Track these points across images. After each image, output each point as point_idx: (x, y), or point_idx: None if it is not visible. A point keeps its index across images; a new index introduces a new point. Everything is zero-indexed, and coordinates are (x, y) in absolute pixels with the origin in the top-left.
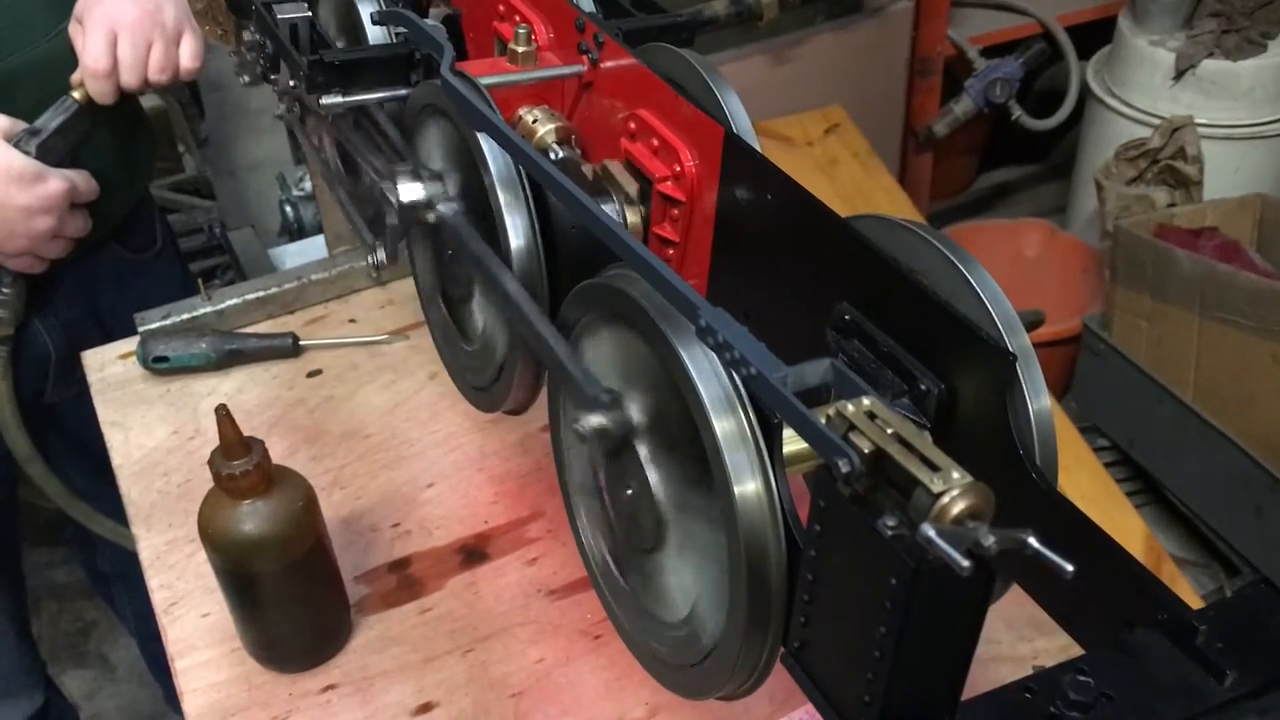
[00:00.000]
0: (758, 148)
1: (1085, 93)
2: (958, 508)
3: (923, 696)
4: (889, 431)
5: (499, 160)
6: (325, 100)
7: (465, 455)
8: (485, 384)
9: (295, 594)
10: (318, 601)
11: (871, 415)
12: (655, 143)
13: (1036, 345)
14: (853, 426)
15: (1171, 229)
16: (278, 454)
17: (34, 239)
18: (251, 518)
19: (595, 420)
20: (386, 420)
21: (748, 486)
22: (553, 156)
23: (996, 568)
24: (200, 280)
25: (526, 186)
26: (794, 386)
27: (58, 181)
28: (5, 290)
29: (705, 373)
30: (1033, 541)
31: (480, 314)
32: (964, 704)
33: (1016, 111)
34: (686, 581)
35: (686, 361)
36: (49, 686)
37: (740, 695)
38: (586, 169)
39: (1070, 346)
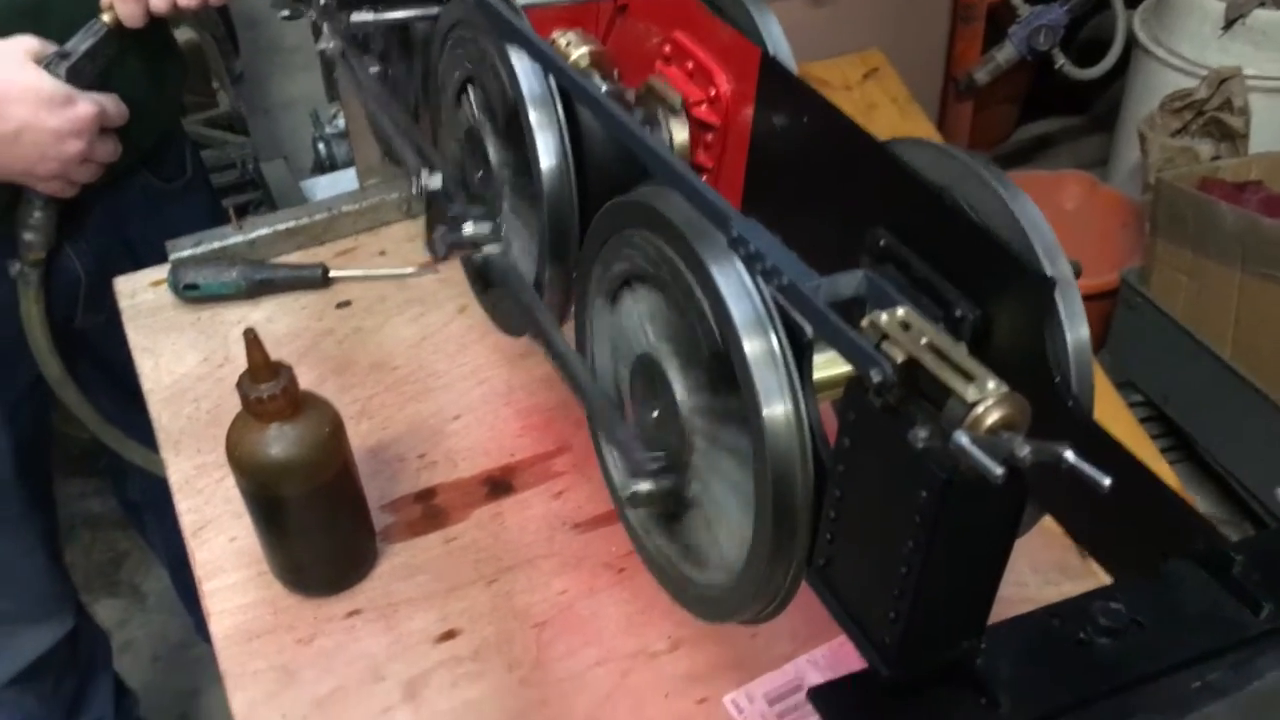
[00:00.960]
0: (795, 71)
1: (1131, 42)
2: (992, 417)
3: (948, 616)
4: (923, 341)
5: (531, 77)
6: (356, 17)
7: (492, 388)
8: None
9: (321, 519)
10: (343, 527)
11: (905, 325)
12: (690, 66)
13: None
14: (885, 336)
15: (1215, 182)
16: (306, 383)
17: (64, 162)
18: (278, 441)
19: (641, 487)
20: (414, 352)
21: (776, 409)
22: None
23: (1029, 486)
24: (232, 212)
25: (559, 105)
26: (827, 296)
27: (87, 105)
28: (36, 214)
29: (736, 291)
30: (1069, 455)
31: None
32: (990, 627)
33: (1060, 60)
34: (712, 504)
35: (717, 278)
36: (80, 613)
37: (763, 620)
38: (628, 94)
39: (1107, 301)
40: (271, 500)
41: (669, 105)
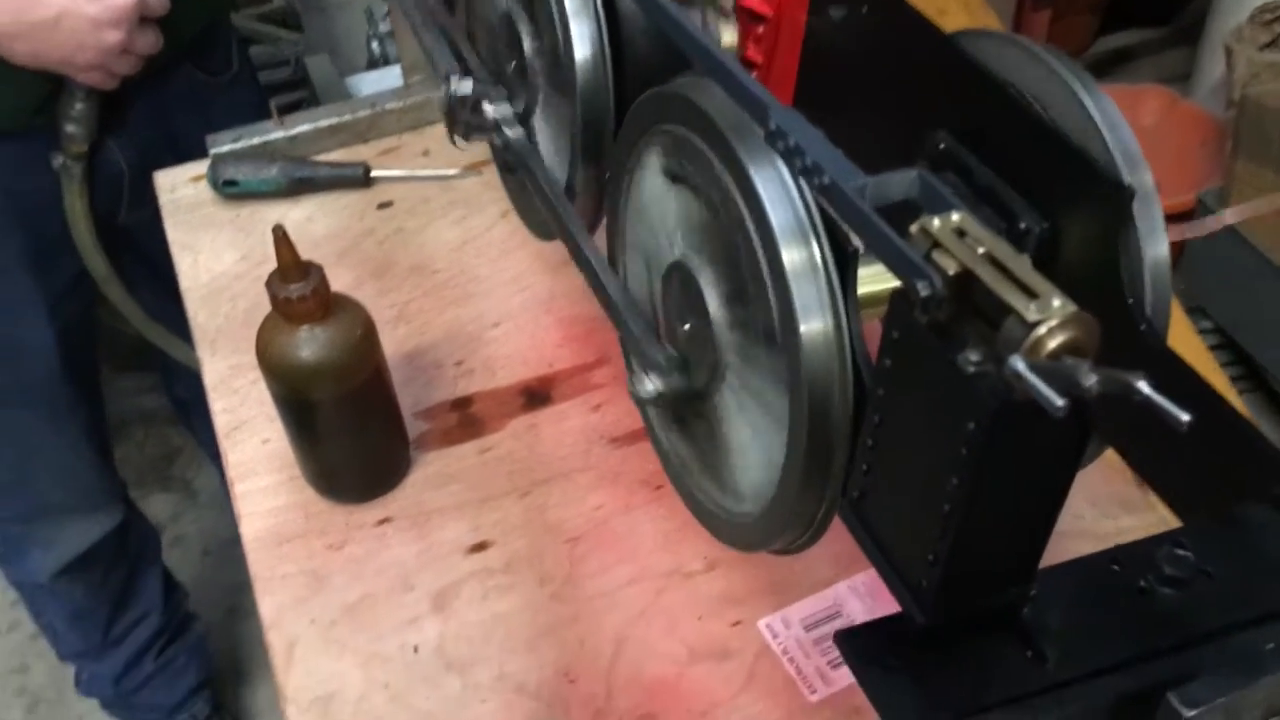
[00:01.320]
0: None
1: None
2: (1055, 341)
3: (994, 560)
4: (980, 251)
5: None
6: None
7: (534, 296)
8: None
9: (352, 425)
10: (375, 434)
11: (960, 232)
12: None
13: None
14: (937, 244)
15: None
16: (344, 285)
17: (102, 52)
18: (308, 344)
19: (653, 384)
20: (455, 256)
21: (815, 324)
22: None
23: (1094, 419)
24: (274, 107)
25: None
26: (873, 199)
27: None
28: (78, 105)
29: (775, 194)
30: (1143, 386)
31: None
32: (1041, 571)
33: None
34: (744, 424)
35: (754, 178)
36: (129, 507)
37: (795, 550)
38: None
39: (1183, 223)
40: (301, 404)
41: (716, 3)
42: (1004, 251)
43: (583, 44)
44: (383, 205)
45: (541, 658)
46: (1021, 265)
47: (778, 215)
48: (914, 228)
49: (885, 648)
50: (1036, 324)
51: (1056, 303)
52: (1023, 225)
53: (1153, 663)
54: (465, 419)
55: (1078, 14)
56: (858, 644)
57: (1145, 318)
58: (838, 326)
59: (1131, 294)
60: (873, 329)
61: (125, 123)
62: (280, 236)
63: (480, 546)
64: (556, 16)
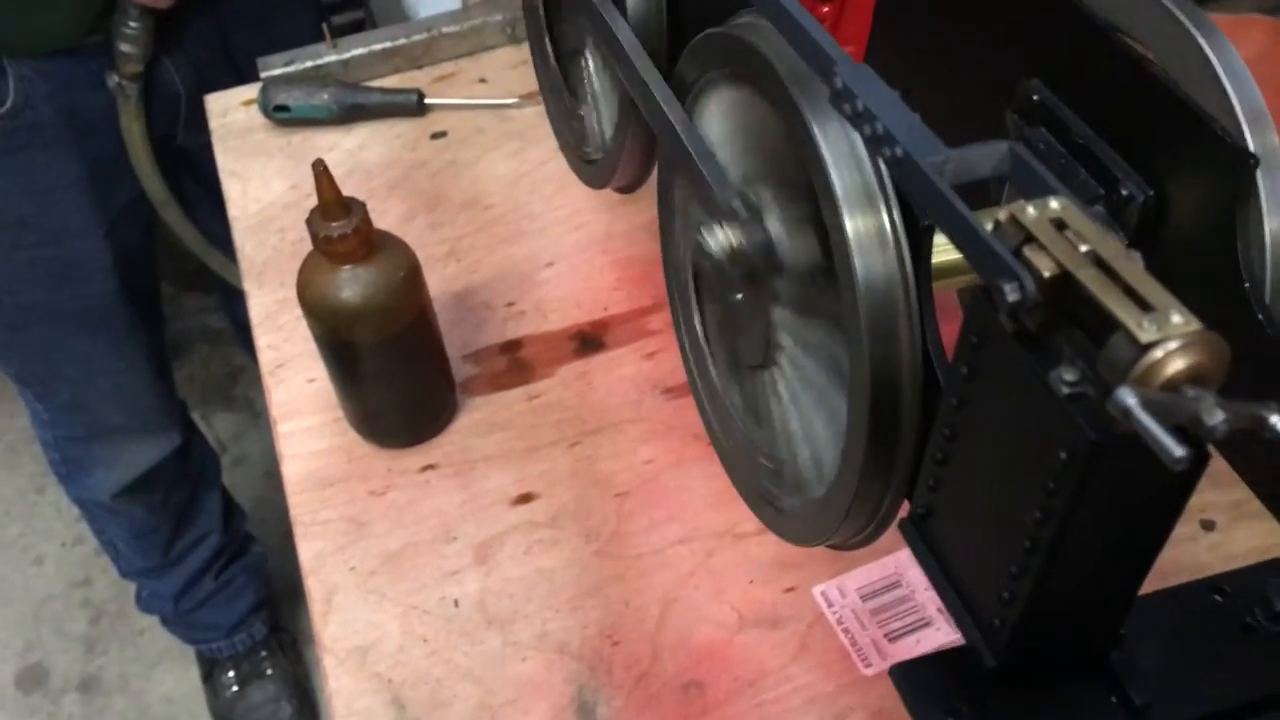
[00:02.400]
0: None
1: None
2: (1174, 367)
3: (1079, 605)
4: (1082, 250)
5: None
6: None
7: (589, 235)
8: (592, 155)
9: (395, 368)
10: (419, 378)
11: (1060, 224)
12: None
13: None
14: (1030, 238)
15: None
16: (395, 219)
17: None
18: (350, 284)
19: (725, 237)
20: (510, 191)
21: (880, 304)
22: None
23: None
24: (326, 29)
25: None
26: (954, 177)
27: None
28: (132, 25)
29: (841, 154)
30: (1277, 421)
31: (593, 71)
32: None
33: None
34: (801, 406)
35: (818, 137)
36: (190, 429)
37: (852, 547)
38: None
39: None
40: (343, 347)
41: None
42: (1113, 250)
43: None
44: (436, 135)
45: (585, 617)
46: (1134, 269)
47: (842, 177)
48: (1002, 215)
49: (949, 687)
50: (1151, 346)
51: (1177, 319)
52: (1124, 192)
53: (1262, 714)
54: (514, 363)
55: None
56: (916, 681)
57: (1264, 306)
58: (908, 304)
59: (1249, 276)
60: (946, 301)
61: (181, 42)
62: (321, 171)
63: (525, 498)
64: None
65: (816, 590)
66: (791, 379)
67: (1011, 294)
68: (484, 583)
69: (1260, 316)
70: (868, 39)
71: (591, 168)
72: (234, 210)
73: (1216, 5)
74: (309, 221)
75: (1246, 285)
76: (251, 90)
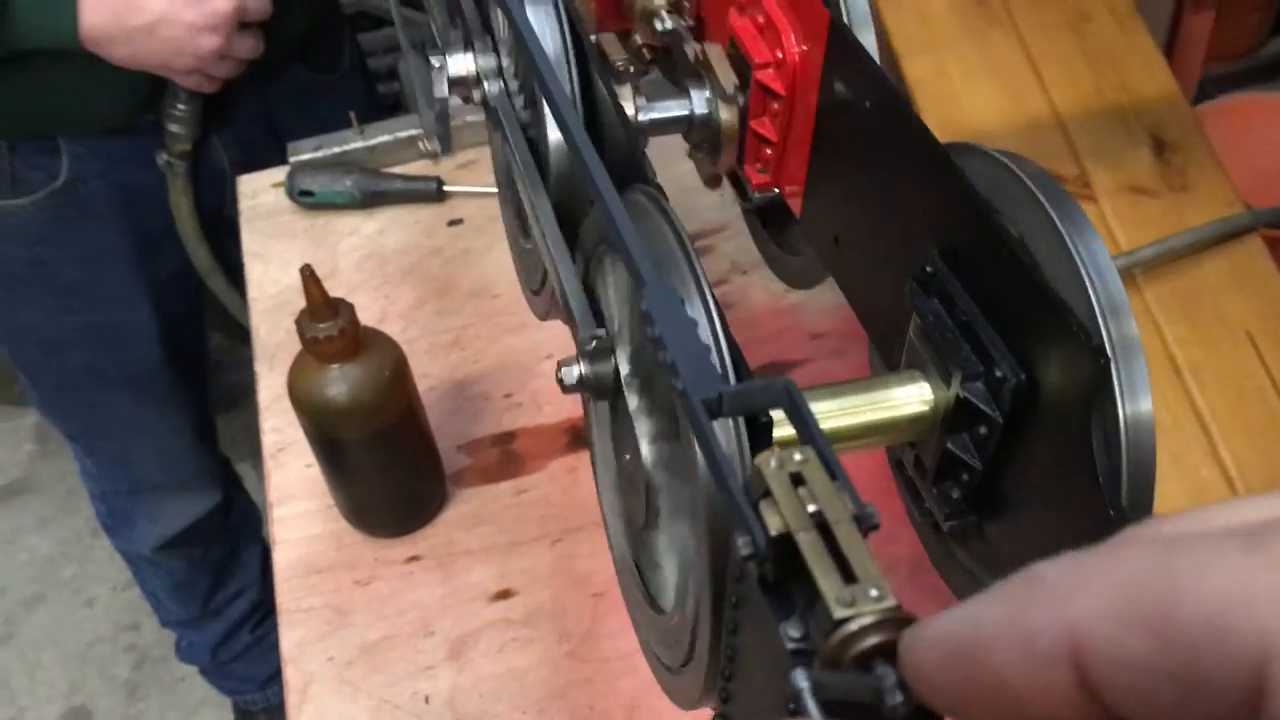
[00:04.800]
0: (871, 38)
1: None
2: (865, 643)
3: None
4: (810, 509)
5: (548, 38)
6: None
7: None
8: (536, 288)
9: (381, 462)
10: (405, 472)
11: (798, 479)
12: (761, 20)
13: None
14: (768, 493)
15: None
16: (406, 305)
17: (200, 58)
18: (337, 383)
19: (577, 369)
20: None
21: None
22: (659, 26)
23: None
24: (353, 116)
25: (574, 70)
26: (731, 410)
27: (225, 0)
28: (181, 107)
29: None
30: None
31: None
32: None
33: None
34: (673, 566)
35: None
36: (232, 485)
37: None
38: (690, 48)
39: None
40: (331, 441)
41: (720, 87)
42: (838, 514)
43: (554, 127)
44: (453, 222)
45: None
46: (850, 536)
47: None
48: (759, 459)
49: None
50: (843, 621)
51: (874, 593)
52: (999, 373)
53: None
54: (506, 455)
55: (1247, 12)
56: None
57: (1117, 503)
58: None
59: (1104, 465)
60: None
61: (230, 121)
62: (308, 276)
63: (504, 594)
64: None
65: None
66: (668, 533)
67: (744, 548)
68: (456, 679)
69: (1111, 512)
70: (804, 185)
71: (536, 299)
72: (253, 291)
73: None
74: (298, 322)
75: (1099, 480)
76: (280, 173)
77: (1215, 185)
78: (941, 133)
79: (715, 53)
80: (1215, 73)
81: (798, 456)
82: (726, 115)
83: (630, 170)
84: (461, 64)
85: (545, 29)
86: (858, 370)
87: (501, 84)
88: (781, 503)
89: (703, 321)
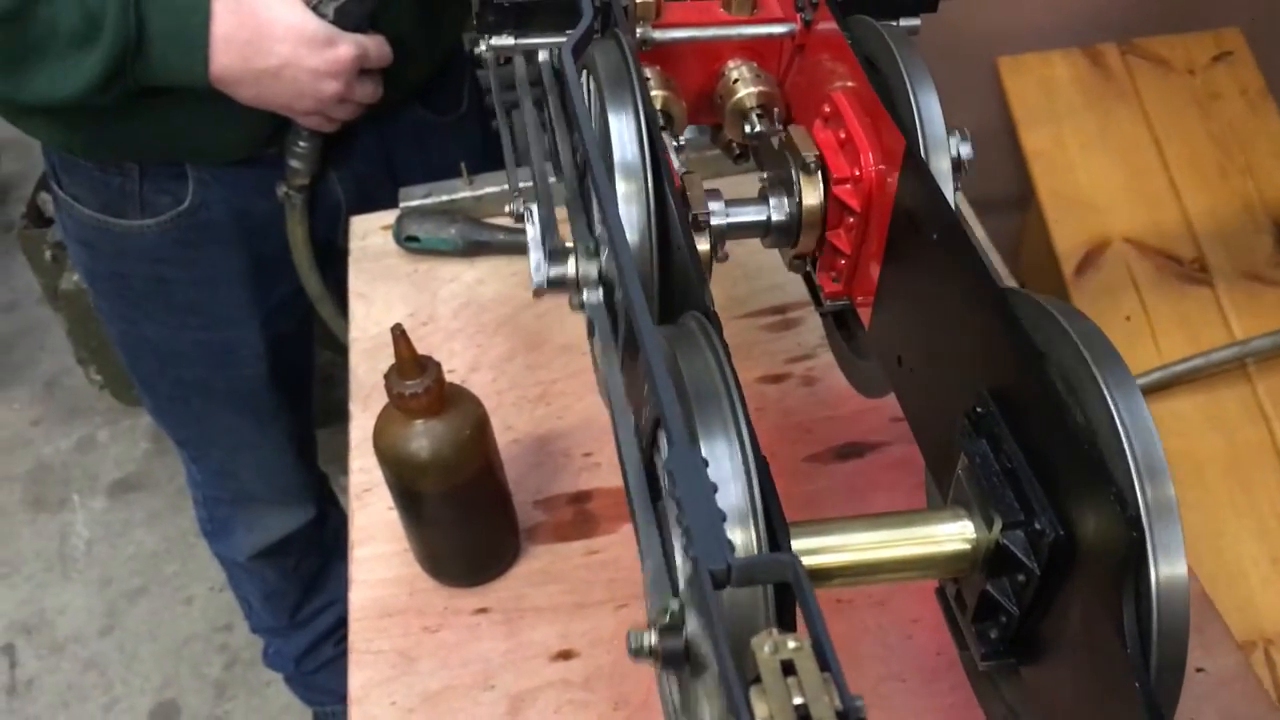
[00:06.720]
0: (946, 162)
1: None
2: None
3: None
4: (796, 702)
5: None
6: (495, 41)
7: None
8: None
9: (457, 516)
10: (480, 526)
11: (788, 668)
12: (843, 135)
13: None
14: (758, 678)
15: None
16: (497, 355)
17: (321, 101)
18: (419, 438)
19: (651, 638)
20: None
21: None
22: (747, 129)
23: None
24: (464, 167)
25: (649, 176)
26: (739, 579)
27: (348, 47)
28: (301, 145)
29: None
30: None
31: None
32: None
33: None
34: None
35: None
36: (328, 501)
37: None
38: (777, 138)
39: None
40: (410, 493)
41: (802, 162)
42: (822, 710)
43: (631, 229)
44: None
45: None
46: None
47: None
48: (754, 641)
49: None
50: None
51: None
52: (1038, 526)
53: None
54: (580, 515)
55: None
56: None
57: (1144, 675)
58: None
59: (1137, 628)
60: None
61: (349, 158)
62: (399, 336)
63: (565, 655)
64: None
65: None
66: (704, 690)
67: None
68: None
69: (1137, 684)
70: (873, 301)
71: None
72: (355, 331)
73: None
74: (386, 377)
75: (1126, 651)
76: (390, 216)
77: None
78: (1054, 204)
79: (799, 132)
80: None
81: (792, 644)
82: (811, 199)
83: (691, 299)
84: (562, 267)
85: (624, 137)
86: None
87: (600, 293)
88: (770, 692)
89: (736, 461)
